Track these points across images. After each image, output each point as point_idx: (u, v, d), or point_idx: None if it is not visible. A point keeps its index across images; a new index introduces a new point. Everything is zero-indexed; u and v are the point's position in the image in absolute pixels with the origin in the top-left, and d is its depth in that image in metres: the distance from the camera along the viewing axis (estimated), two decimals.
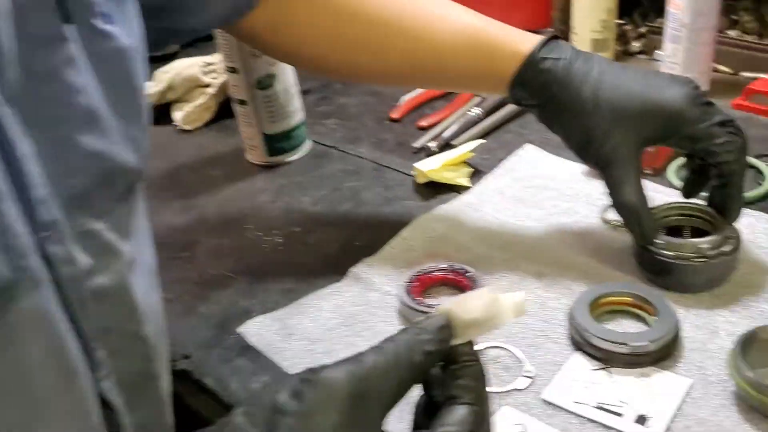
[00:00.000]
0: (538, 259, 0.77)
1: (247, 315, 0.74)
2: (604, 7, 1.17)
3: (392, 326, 0.71)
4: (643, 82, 0.70)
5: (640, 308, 0.67)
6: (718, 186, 0.70)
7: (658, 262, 0.69)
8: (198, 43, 1.22)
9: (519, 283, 0.74)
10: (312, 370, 0.42)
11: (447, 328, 0.44)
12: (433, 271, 0.75)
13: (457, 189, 0.91)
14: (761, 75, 1.09)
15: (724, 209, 0.70)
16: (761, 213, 0.80)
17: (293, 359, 0.68)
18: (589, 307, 0.66)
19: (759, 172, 0.88)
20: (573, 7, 1.20)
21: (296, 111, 1.00)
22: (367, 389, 0.41)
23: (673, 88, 0.69)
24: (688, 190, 0.75)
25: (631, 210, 0.70)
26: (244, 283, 0.80)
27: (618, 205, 0.71)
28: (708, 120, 0.67)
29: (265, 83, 0.95)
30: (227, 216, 0.93)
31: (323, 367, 0.42)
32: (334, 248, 0.84)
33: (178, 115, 1.16)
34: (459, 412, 0.42)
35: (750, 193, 0.83)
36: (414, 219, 0.85)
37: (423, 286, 0.75)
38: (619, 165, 0.69)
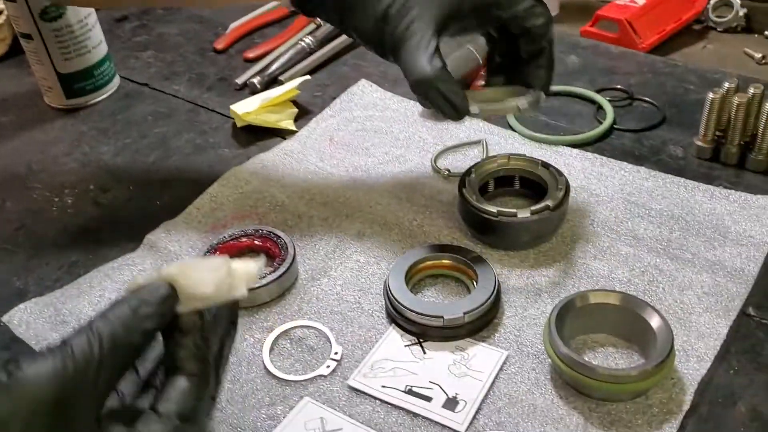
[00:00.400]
0: (361, 217, 0.70)
1: (20, 297, 0.64)
2: None
3: None
4: None
5: (461, 272, 0.61)
6: (528, 59, 0.62)
7: (481, 220, 0.63)
8: None
9: (336, 248, 0.66)
10: (8, 368, 0.36)
11: (170, 299, 0.41)
12: (238, 237, 0.66)
13: (281, 133, 0.82)
14: None
15: (536, 82, 0.62)
16: (596, 155, 0.75)
17: None
18: (406, 275, 0.60)
19: (600, 108, 0.83)
20: None
21: (97, 45, 0.87)
22: (76, 390, 0.37)
23: None
24: (492, 73, 0.66)
25: (429, 82, 0.56)
26: (22, 256, 0.69)
27: (414, 83, 0.57)
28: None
29: (53, 14, 0.81)
30: (11, 172, 0.80)
31: (24, 362, 0.36)
32: (131, 210, 0.73)
33: None
34: (180, 384, 0.40)
35: (589, 132, 0.78)
36: (223, 176, 0.75)
37: (231, 254, 0.66)
38: (414, 39, 0.57)
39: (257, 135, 0.82)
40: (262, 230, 0.66)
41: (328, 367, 0.56)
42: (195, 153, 0.81)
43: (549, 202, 0.63)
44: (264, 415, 0.53)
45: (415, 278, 0.61)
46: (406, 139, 0.80)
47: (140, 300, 0.40)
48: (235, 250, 0.66)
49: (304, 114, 0.85)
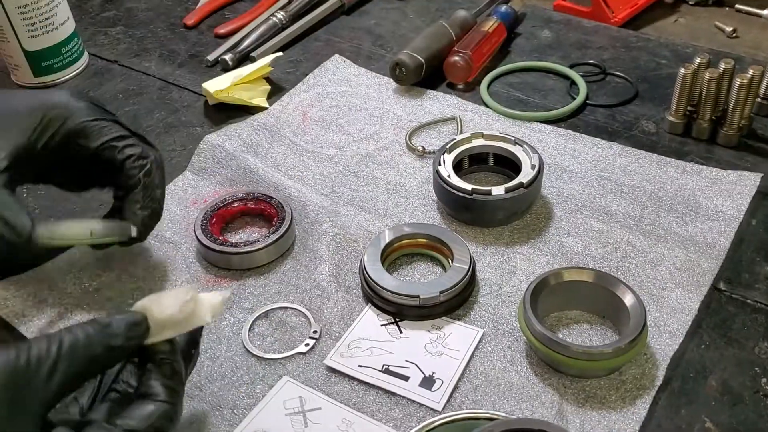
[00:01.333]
0: (335, 195, 0.69)
1: None
2: None
3: (179, 276, 0.62)
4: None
5: (437, 250, 0.62)
6: (126, 193, 0.59)
7: (456, 198, 0.64)
8: None
9: (312, 224, 0.66)
10: None
11: (140, 325, 0.43)
12: (230, 203, 0.66)
13: (254, 111, 0.81)
14: None
15: (132, 219, 0.58)
16: (569, 131, 0.75)
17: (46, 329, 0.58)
18: (382, 255, 0.60)
19: (573, 83, 0.83)
20: None
21: (64, 22, 0.85)
22: (27, 383, 0.38)
23: (58, 91, 0.60)
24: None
25: None
26: None
27: None
28: (108, 129, 0.58)
29: None
30: None
31: None
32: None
33: None
34: (147, 408, 0.41)
35: (562, 108, 0.78)
36: (198, 146, 0.75)
37: (222, 221, 0.66)
38: None
39: (230, 113, 0.81)
40: (254, 193, 0.66)
41: (306, 345, 0.56)
42: (167, 131, 0.79)
43: (522, 179, 0.63)
44: (243, 394, 0.53)
45: (391, 257, 0.62)
46: (381, 116, 0.80)
47: (111, 320, 0.42)
48: (229, 216, 0.66)
49: (277, 91, 0.84)
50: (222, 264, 0.63)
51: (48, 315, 0.59)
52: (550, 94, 0.82)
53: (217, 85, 0.80)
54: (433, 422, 0.47)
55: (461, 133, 0.75)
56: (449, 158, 0.67)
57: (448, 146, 0.68)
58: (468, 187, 0.63)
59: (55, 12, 0.83)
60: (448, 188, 0.64)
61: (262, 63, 0.83)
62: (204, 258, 0.64)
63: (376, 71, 0.86)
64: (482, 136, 0.69)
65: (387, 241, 0.61)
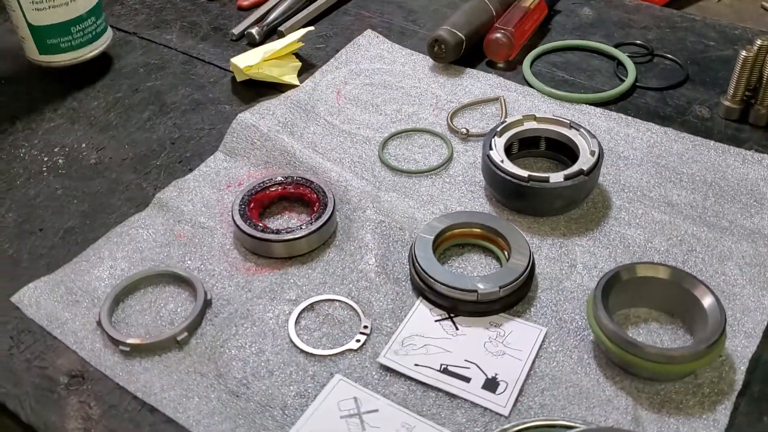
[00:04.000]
0: (377, 179, 0.66)
1: (14, 266, 0.59)
2: None
3: (216, 264, 0.58)
4: None
5: (492, 241, 0.58)
6: None
7: (509, 185, 0.60)
8: None
9: (355, 210, 0.62)
10: None
11: None
12: (268, 186, 0.62)
13: (284, 89, 0.77)
14: None
15: None
16: (621, 115, 0.72)
17: (81, 333, 0.54)
18: (433, 244, 0.56)
19: (620, 64, 0.79)
20: None
21: None
22: None
23: None
24: None
25: None
26: (11, 222, 0.63)
27: None
28: None
29: None
30: None
31: None
32: (127, 171, 0.68)
33: None
34: None
35: (611, 91, 0.74)
36: (230, 126, 0.70)
37: (260, 206, 0.62)
38: None
39: (259, 90, 0.77)
40: (292, 177, 0.62)
41: (357, 341, 0.52)
42: (194, 109, 0.75)
43: (582, 166, 0.59)
44: (293, 393, 0.49)
45: (441, 247, 0.58)
46: (418, 95, 0.75)
47: None
48: (268, 200, 0.62)
49: (307, 68, 0.80)
50: (262, 251, 0.59)
51: (82, 317, 0.55)
52: (596, 75, 0.78)
53: (247, 61, 0.76)
54: (505, 430, 0.44)
55: (505, 114, 0.71)
56: (500, 142, 0.63)
57: (498, 129, 0.64)
58: (524, 173, 0.59)
59: None
60: (502, 174, 0.60)
61: (293, 38, 0.78)
62: (242, 244, 0.60)
63: (410, 48, 0.82)
64: (534, 118, 0.65)
65: (438, 230, 0.57)
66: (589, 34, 0.84)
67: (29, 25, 0.75)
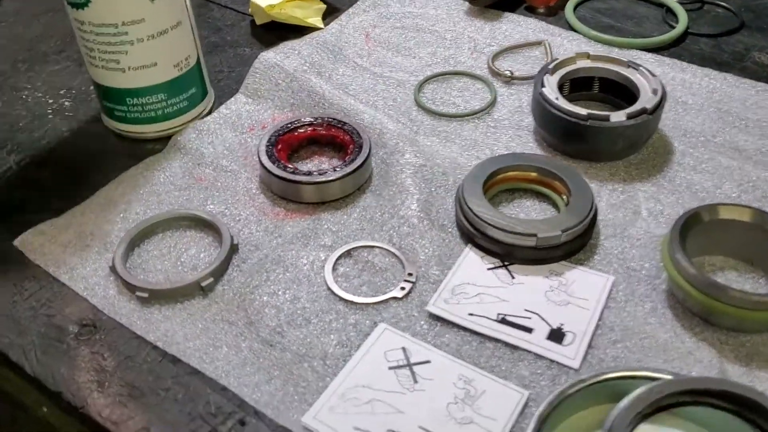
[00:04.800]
0: (413, 122, 0.60)
1: (20, 211, 0.53)
2: None
3: (242, 209, 0.52)
4: None
5: (547, 185, 0.52)
6: None
7: (566, 125, 0.54)
8: None
9: (392, 154, 0.56)
10: None
11: None
12: (296, 128, 0.57)
13: (306, 32, 0.71)
14: None
15: None
16: (675, 60, 0.66)
17: (92, 279, 0.49)
18: (483, 187, 0.51)
19: (669, 10, 0.73)
20: None
21: (142, 67, 0.56)
22: None
23: None
24: None
25: None
26: (14, 162, 0.58)
27: None
28: None
29: None
30: None
31: None
32: None
33: None
34: None
35: (663, 36, 0.69)
36: (252, 66, 0.65)
37: (287, 148, 0.56)
38: None
39: (280, 33, 0.71)
40: (323, 118, 0.57)
41: (402, 289, 0.47)
42: (211, 52, 0.69)
43: (646, 105, 0.54)
44: (335, 342, 0.44)
45: (489, 192, 0.52)
46: (454, 39, 0.70)
47: None
48: (296, 142, 0.56)
49: (331, 11, 0.74)
50: (291, 195, 0.54)
51: (93, 262, 0.49)
52: (643, 22, 0.72)
53: (269, 0, 0.70)
54: (584, 381, 0.38)
55: (551, 58, 0.66)
56: (553, 80, 0.57)
57: (550, 67, 0.58)
58: (582, 111, 0.54)
59: (124, 50, 0.54)
60: (557, 113, 0.54)
61: None
62: (269, 188, 0.54)
63: None
64: (588, 56, 0.60)
65: (489, 172, 0.52)
66: None
67: (93, 81, 0.59)
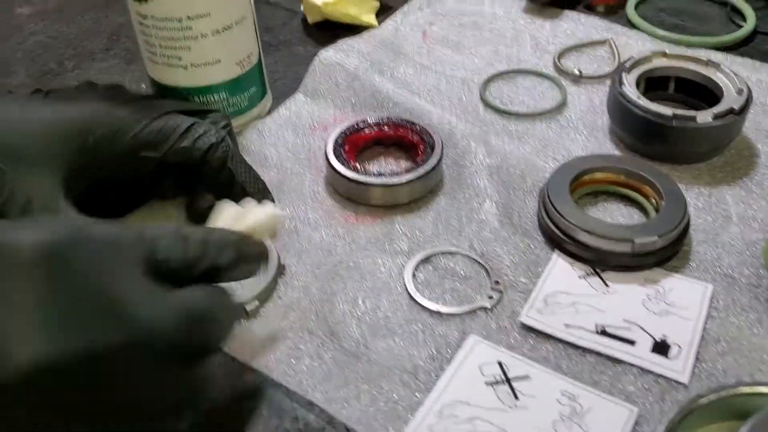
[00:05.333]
0: (482, 121, 0.58)
1: None
2: None
3: (311, 212, 0.50)
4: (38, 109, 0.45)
5: (634, 188, 0.50)
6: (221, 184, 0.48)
7: (648, 125, 0.52)
8: None
9: (464, 154, 0.54)
10: None
11: None
12: (362, 129, 0.54)
13: (359, 31, 0.69)
14: None
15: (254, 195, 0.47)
16: (747, 59, 0.64)
17: None
18: (570, 189, 0.48)
19: (735, 10, 0.71)
20: None
21: (206, 64, 0.54)
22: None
23: (82, 100, 0.46)
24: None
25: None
26: None
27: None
28: (169, 126, 0.46)
29: None
30: (41, 69, 0.66)
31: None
32: None
33: None
34: None
35: (731, 35, 0.66)
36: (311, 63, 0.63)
37: (354, 149, 0.54)
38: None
39: (333, 32, 0.69)
40: (390, 117, 0.54)
41: (490, 298, 0.44)
42: (265, 52, 0.66)
43: (732, 105, 0.51)
44: (424, 355, 0.41)
45: (573, 195, 0.50)
46: (514, 37, 0.68)
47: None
48: (362, 143, 0.54)
49: (384, 9, 0.72)
50: (361, 198, 0.51)
51: None
52: (708, 21, 0.70)
53: None
54: (704, 398, 0.36)
55: (618, 57, 0.63)
56: (631, 78, 0.55)
57: (627, 65, 0.56)
58: (667, 111, 0.51)
59: (187, 45, 0.52)
60: (639, 113, 0.52)
61: None
62: (338, 191, 0.52)
63: None
64: (664, 55, 0.57)
65: (575, 174, 0.49)
66: None
67: (150, 77, 0.56)
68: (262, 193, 0.48)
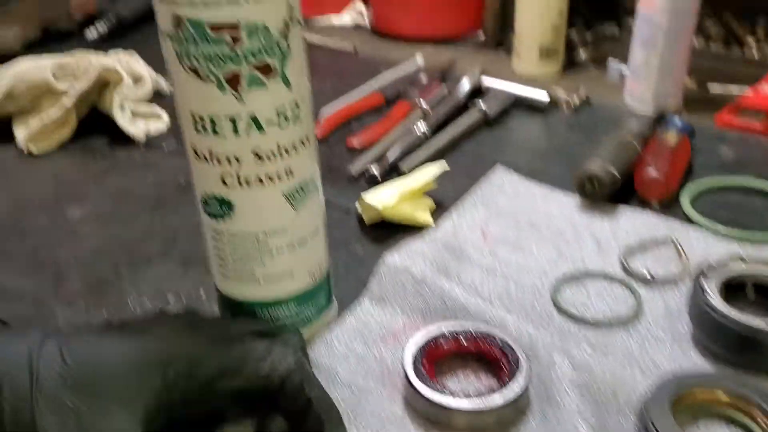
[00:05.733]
0: (558, 331, 0.56)
1: None
2: (555, 7, 0.99)
3: None
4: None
5: (741, 410, 0.47)
6: (299, 417, 0.45)
7: (740, 337, 0.50)
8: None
9: (548, 363, 0.51)
10: None
11: None
12: (440, 342, 0.52)
13: (414, 230, 0.69)
14: (731, 88, 0.95)
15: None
16: None
17: None
18: (672, 412, 0.45)
19: None
20: (517, 8, 1.02)
21: (278, 279, 0.52)
22: None
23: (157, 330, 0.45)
24: None
25: None
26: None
27: None
28: (247, 354, 0.45)
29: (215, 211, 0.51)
30: (97, 275, 0.65)
31: None
32: None
33: (21, 132, 0.87)
34: None
35: None
36: (375, 268, 0.61)
37: (432, 364, 0.52)
38: None
39: (389, 231, 0.69)
40: (465, 329, 0.53)
41: None
42: None
43: None
44: None
45: (677, 419, 0.47)
46: (575, 237, 0.67)
47: None
48: (440, 356, 0.52)
49: (437, 208, 0.72)
50: (443, 420, 0.48)
51: None
52: (766, 216, 0.70)
53: (384, 199, 0.68)
54: None
55: (685, 256, 0.63)
56: (712, 285, 0.54)
57: (705, 271, 0.55)
58: (762, 324, 0.49)
59: (262, 260, 0.51)
60: (730, 325, 0.50)
61: (429, 175, 0.71)
62: (419, 412, 0.49)
63: (549, 184, 0.75)
64: (740, 259, 0.56)
65: (674, 396, 0.46)
66: (736, 174, 0.77)
67: (217, 288, 0.55)
68: (336, 427, 0.45)
